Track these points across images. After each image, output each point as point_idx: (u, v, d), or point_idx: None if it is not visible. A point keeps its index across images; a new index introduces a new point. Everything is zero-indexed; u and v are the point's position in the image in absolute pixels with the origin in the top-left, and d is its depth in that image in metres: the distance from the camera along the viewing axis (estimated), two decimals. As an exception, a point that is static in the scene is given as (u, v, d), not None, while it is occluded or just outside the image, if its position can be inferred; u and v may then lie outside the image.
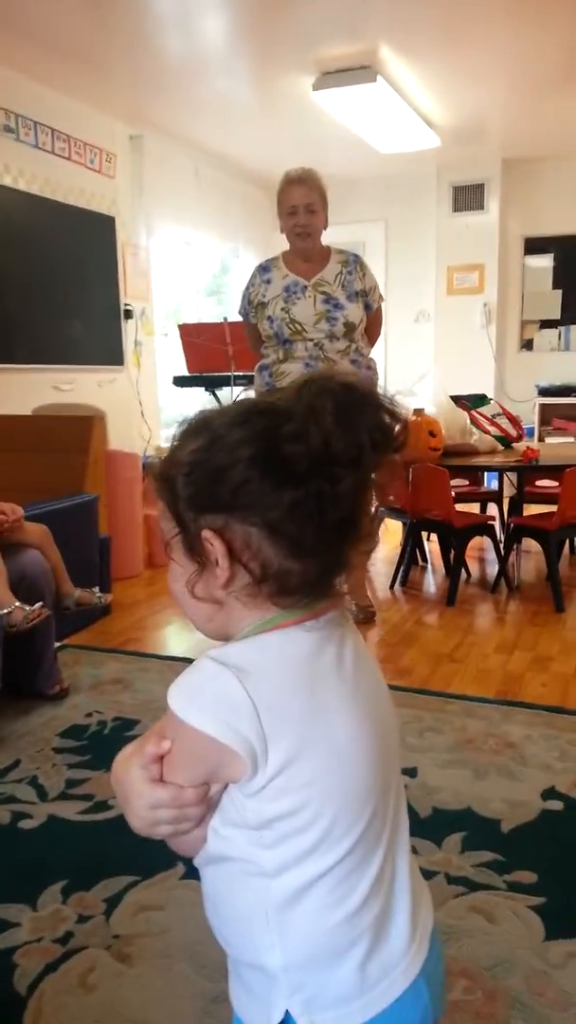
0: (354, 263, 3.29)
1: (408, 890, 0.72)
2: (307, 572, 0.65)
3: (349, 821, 0.66)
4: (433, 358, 6.80)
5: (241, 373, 5.00)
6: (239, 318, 3.50)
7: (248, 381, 4.83)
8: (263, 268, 3.34)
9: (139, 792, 0.65)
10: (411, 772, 2.11)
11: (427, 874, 1.68)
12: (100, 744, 2.32)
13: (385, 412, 0.66)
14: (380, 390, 0.68)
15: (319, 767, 0.64)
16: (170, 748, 0.64)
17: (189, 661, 0.77)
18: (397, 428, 0.66)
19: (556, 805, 1.95)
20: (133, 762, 0.66)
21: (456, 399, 4.34)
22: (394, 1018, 0.67)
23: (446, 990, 0.75)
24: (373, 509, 0.68)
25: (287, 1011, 0.67)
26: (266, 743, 0.62)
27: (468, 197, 6.53)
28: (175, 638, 3.31)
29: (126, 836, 1.84)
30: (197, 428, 0.67)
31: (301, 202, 3.14)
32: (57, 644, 2.74)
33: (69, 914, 1.59)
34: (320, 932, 0.66)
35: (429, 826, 1.86)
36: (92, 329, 5.12)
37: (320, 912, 0.66)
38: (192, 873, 1.44)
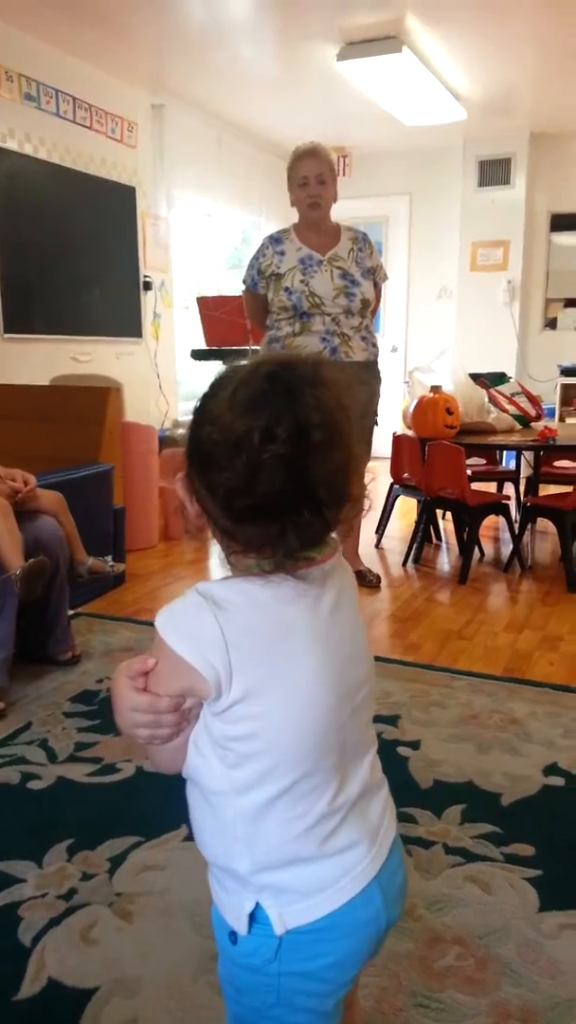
0: (363, 240, 3.39)
1: (366, 805, 0.82)
2: (258, 535, 0.70)
3: (304, 751, 0.74)
4: (454, 335, 6.74)
5: (259, 347, 4.98)
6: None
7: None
8: (275, 239, 3.37)
9: (123, 696, 0.76)
10: (414, 744, 2.13)
11: (425, 844, 1.70)
12: (110, 710, 2.34)
13: (311, 399, 0.68)
14: (312, 375, 0.70)
15: (276, 703, 0.73)
16: (155, 664, 0.74)
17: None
18: (316, 419, 0.67)
19: (557, 781, 1.96)
20: (122, 671, 0.77)
21: (475, 377, 4.31)
22: (349, 915, 0.77)
23: (401, 896, 0.87)
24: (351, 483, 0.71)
25: (257, 903, 0.77)
26: (231, 673, 0.71)
27: (494, 171, 6.44)
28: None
29: (132, 798, 1.89)
30: (211, 389, 0.73)
31: (312, 173, 3.23)
32: (71, 612, 2.78)
33: (73, 872, 1.63)
34: (283, 842, 0.76)
35: (430, 797, 1.89)
36: (111, 300, 5.12)
37: (282, 825, 0.75)
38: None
